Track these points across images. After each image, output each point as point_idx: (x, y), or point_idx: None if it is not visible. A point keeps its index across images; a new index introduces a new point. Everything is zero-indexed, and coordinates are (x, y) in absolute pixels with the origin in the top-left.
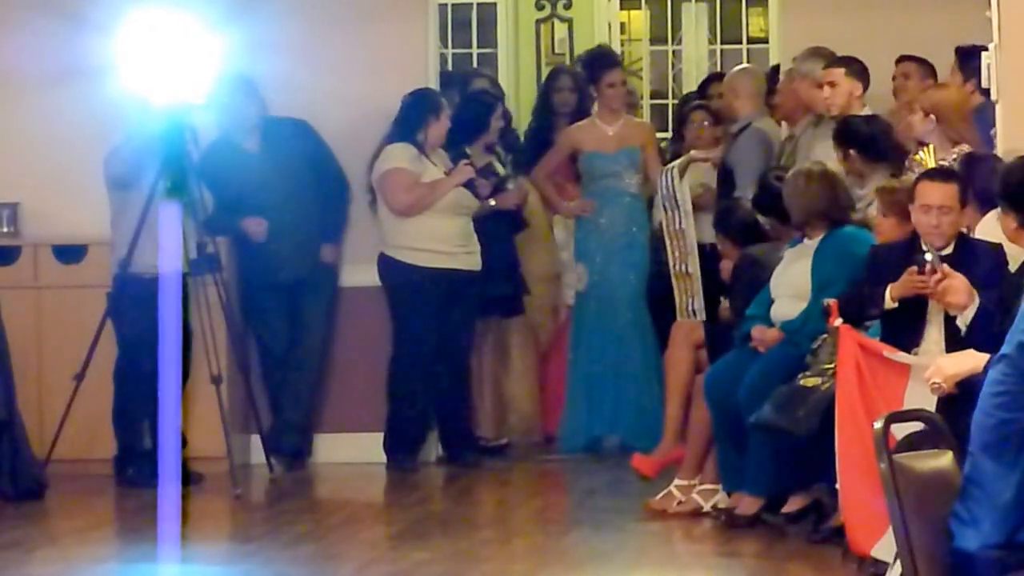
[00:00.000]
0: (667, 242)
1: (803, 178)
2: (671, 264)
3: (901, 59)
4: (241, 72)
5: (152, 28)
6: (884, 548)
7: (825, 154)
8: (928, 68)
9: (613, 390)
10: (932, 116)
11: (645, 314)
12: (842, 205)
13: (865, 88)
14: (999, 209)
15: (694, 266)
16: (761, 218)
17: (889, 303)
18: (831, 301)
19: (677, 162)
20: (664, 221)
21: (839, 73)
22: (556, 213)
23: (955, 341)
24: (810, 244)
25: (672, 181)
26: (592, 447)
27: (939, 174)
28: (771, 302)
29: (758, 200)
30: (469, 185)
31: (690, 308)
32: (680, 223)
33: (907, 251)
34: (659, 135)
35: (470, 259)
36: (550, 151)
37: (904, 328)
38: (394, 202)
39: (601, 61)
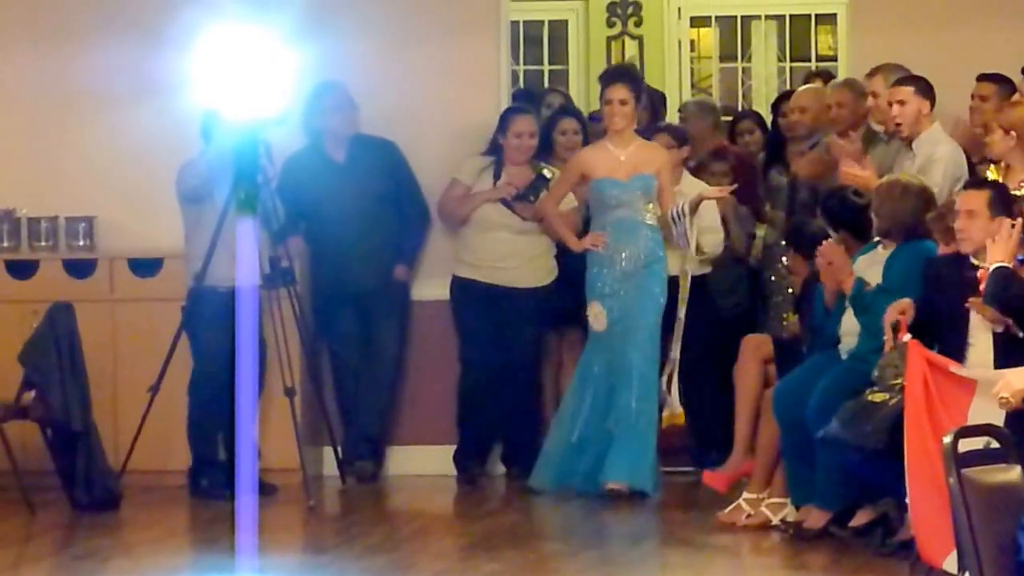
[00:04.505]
0: (680, 282)
1: (900, 188)
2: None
3: (980, 78)
4: (341, 82)
5: (227, 43)
6: (955, 561)
7: (901, 169)
8: (1008, 88)
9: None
10: (1013, 133)
11: (653, 355)
12: (926, 223)
13: (932, 106)
14: None
15: (682, 311)
16: (832, 232)
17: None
18: (901, 317)
19: (687, 200)
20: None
21: (908, 91)
22: (567, 247)
23: (1004, 352)
24: (883, 253)
25: (685, 219)
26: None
27: (974, 183)
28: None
29: (834, 213)
30: (507, 203)
31: (670, 355)
32: (684, 265)
33: (956, 262)
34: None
35: (520, 275)
36: (557, 178)
37: (952, 339)
38: (437, 209)
39: (603, 77)
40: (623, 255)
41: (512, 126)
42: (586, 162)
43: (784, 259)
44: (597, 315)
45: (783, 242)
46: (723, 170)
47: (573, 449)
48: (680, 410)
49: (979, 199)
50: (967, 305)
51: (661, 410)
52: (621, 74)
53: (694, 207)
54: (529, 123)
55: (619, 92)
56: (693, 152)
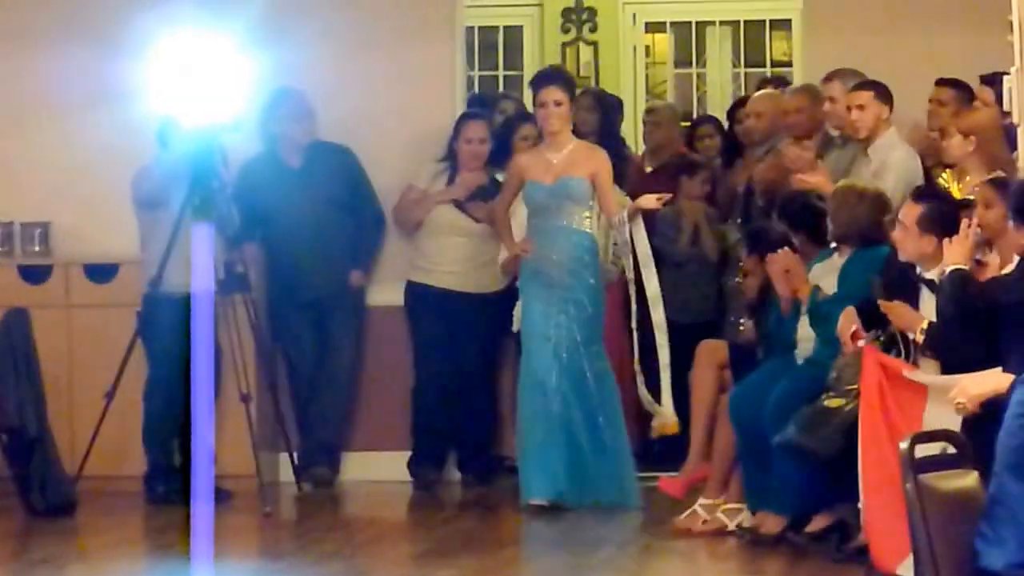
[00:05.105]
0: (631, 291)
1: (855, 194)
2: (634, 317)
3: (939, 83)
4: (297, 89)
5: (183, 49)
6: (909, 566)
7: (857, 174)
8: (966, 93)
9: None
10: (972, 138)
11: (592, 361)
12: (883, 228)
13: (890, 111)
14: (1011, 226)
15: (657, 316)
16: (792, 235)
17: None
18: (854, 325)
19: (625, 210)
20: (625, 269)
21: (867, 96)
22: (506, 250)
23: None
24: (838, 260)
25: (626, 227)
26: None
27: (915, 195)
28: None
29: (794, 216)
30: (460, 205)
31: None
32: (636, 271)
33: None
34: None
35: (474, 280)
36: (504, 183)
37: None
38: (392, 214)
39: (536, 79)
40: (548, 260)
41: (464, 132)
42: (521, 165)
43: (740, 264)
44: (518, 316)
45: (742, 247)
46: (701, 180)
47: (544, 452)
48: (674, 419)
49: (911, 214)
50: (879, 304)
51: (648, 418)
52: (554, 76)
53: (632, 215)
54: (480, 129)
55: (554, 94)
56: (657, 158)
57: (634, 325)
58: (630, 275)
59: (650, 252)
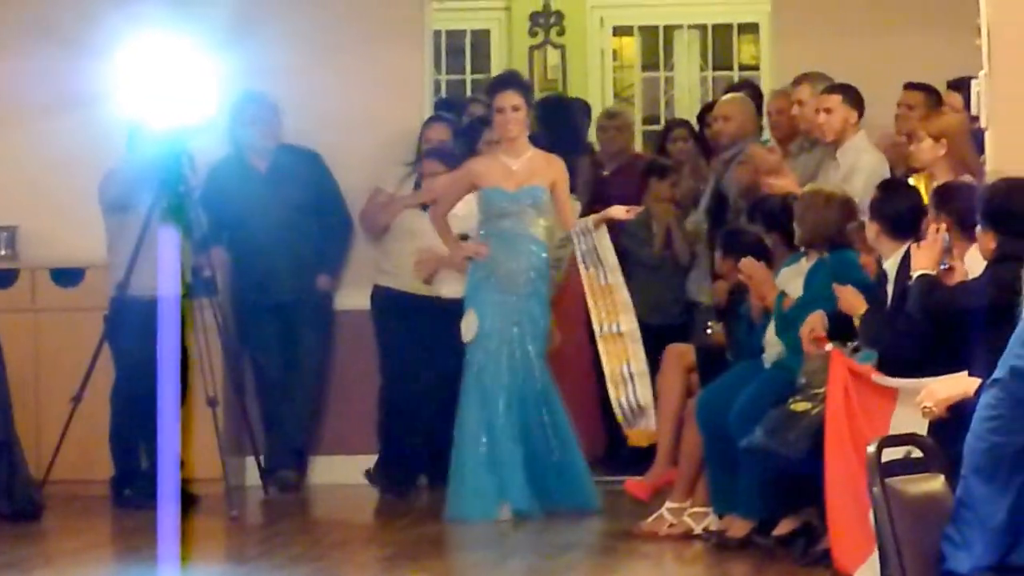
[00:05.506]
0: (590, 301)
1: (823, 198)
2: (596, 326)
3: (908, 87)
4: (264, 92)
5: (150, 52)
6: (868, 571)
7: (825, 178)
8: (935, 97)
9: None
10: (943, 141)
11: (541, 372)
12: (849, 232)
13: (860, 115)
14: (978, 229)
15: (628, 324)
16: (766, 236)
17: None
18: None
19: (592, 217)
20: (586, 279)
21: (836, 100)
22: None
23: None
24: (806, 265)
25: (591, 236)
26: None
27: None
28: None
29: (769, 215)
30: (427, 208)
31: (625, 372)
32: (606, 279)
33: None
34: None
35: (440, 283)
36: (448, 186)
37: None
38: (359, 218)
39: (492, 85)
40: (505, 268)
41: (425, 134)
42: (477, 171)
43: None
44: (470, 325)
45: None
46: (671, 183)
47: (487, 469)
48: (655, 428)
49: (871, 231)
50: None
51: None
52: (512, 81)
53: (598, 224)
54: (442, 131)
55: (511, 99)
56: (615, 161)
57: (618, 328)
58: (599, 283)
59: (617, 262)
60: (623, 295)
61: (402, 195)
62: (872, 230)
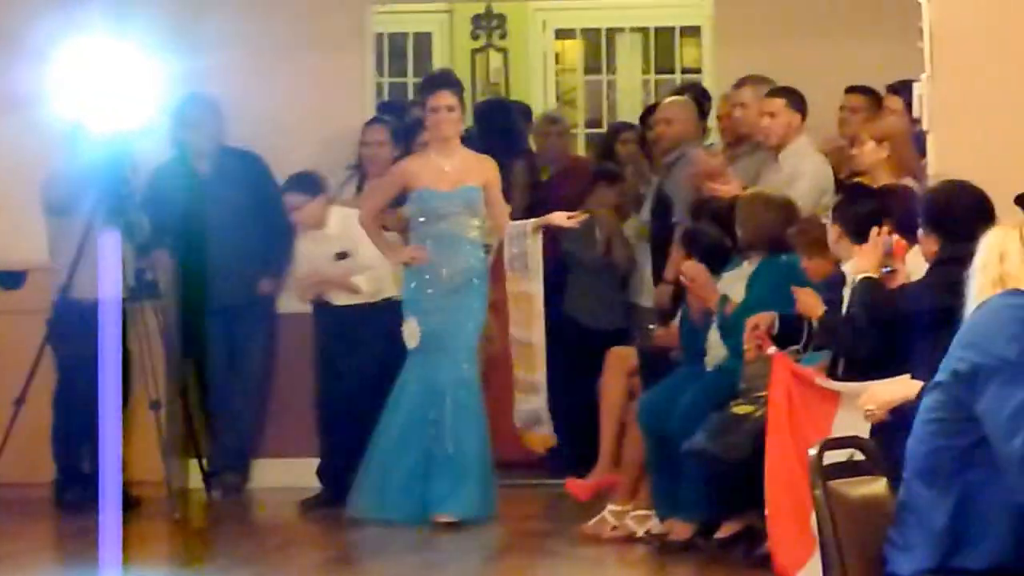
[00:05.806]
0: (511, 304)
1: (762, 201)
2: (512, 328)
3: (849, 90)
4: (206, 94)
5: (90, 54)
6: (809, 574)
7: (766, 181)
8: (877, 100)
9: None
10: (885, 144)
11: (468, 363)
12: (790, 236)
13: (803, 119)
14: (920, 232)
15: (539, 336)
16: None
17: None
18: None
19: (532, 221)
20: (510, 282)
21: (779, 104)
22: (387, 259)
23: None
24: (747, 268)
25: (524, 240)
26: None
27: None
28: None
29: (715, 219)
30: None
31: (533, 380)
32: (528, 286)
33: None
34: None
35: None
36: (376, 188)
37: None
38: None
39: (426, 84)
40: (444, 271)
41: (362, 136)
42: (409, 172)
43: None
44: (412, 332)
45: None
46: (618, 190)
47: (390, 474)
48: (552, 435)
49: (833, 234)
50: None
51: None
52: (446, 80)
53: (536, 229)
54: (379, 133)
55: (446, 98)
56: (556, 165)
57: (529, 338)
58: (523, 289)
59: (541, 268)
60: (538, 305)
61: (344, 198)
62: (834, 233)
